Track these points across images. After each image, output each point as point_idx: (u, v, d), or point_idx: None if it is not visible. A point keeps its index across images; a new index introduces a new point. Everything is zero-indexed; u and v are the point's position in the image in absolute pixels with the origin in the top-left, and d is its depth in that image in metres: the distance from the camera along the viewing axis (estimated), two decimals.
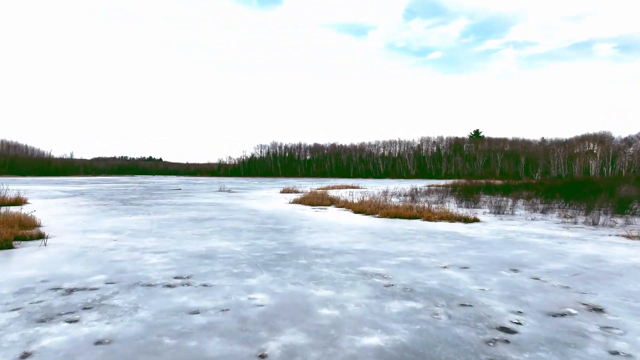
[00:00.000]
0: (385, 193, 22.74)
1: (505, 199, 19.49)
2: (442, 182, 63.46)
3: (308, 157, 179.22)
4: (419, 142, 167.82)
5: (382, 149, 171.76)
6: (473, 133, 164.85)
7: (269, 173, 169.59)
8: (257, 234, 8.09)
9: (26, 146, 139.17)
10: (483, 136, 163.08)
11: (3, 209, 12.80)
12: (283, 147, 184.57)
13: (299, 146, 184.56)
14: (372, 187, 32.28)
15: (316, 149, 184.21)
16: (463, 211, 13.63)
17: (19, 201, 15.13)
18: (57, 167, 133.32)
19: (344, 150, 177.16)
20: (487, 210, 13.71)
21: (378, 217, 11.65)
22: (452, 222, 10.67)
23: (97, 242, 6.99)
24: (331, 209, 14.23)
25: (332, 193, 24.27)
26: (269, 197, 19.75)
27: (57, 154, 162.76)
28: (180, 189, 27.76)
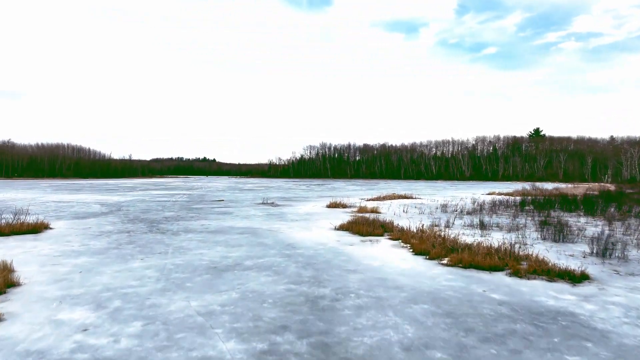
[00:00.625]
0: (444, 209, 19.89)
1: (594, 220, 16.08)
2: (502, 186, 58.04)
3: (357, 158, 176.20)
4: (473, 142, 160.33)
5: (434, 149, 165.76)
6: (533, 132, 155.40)
7: (318, 174, 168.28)
8: (284, 313, 5.80)
9: (89, 149, 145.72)
10: (544, 135, 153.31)
11: (12, 239, 11.48)
12: (332, 148, 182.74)
13: (349, 147, 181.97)
14: (427, 198, 29.28)
15: (366, 149, 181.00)
16: (553, 249, 10.68)
17: (38, 227, 13.79)
18: (117, 169, 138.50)
19: (394, 151, 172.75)
20: (586, 249, 10.67)
21: (446, 264, 9.03)
22: (551, 279, 7.87)
23: (54, 337, 4.95)
24: (384, 243, 11.73)
25: (384, 207, 21.70)
26: (313, 215, 17.55)
27: (116, 155, 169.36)
28: (222, 200, 26.21)
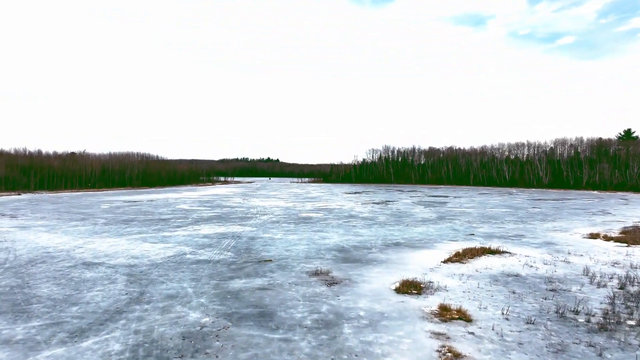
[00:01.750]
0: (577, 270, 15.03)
1: None
2: (602, 197, 47.80)
3: (422, 162, 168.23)
4: (551, 145, 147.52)
5: (507, 152, 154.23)
6: (623, 133, 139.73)
7: (380, 179, 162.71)
8: None
9: (157, 157, 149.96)
10: (637, 137, 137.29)
11: None
12: (395, 151, 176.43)
13: (413, 150, 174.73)
14: (525, 249, 24.03)
15: (431, 152, 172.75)
16: None
17: None
18: (183, 175, 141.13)
19: (462, 154, 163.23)
20: None
21: None
22: None
23: None
24: None
25: (479, 264, 17.09)
26: (390, 313, 13.48)
27: (186, 155, 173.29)
28: (270, 260, 22.94)
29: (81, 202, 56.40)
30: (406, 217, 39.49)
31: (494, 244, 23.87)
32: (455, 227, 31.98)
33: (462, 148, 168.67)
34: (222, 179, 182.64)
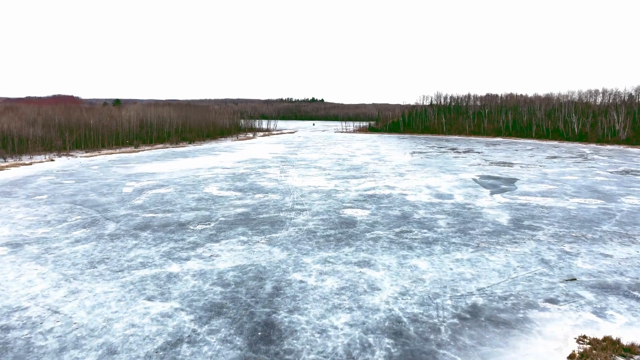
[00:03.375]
0: None
1: None
2: None
3: (478, 110, 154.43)
4: (632, 91, 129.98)
5: (576, 99, 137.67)
6: None
7: (431, 129, 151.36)
8: None
9: (203, 99, 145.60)
10: None
11: None
12: (449, 98, 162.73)
13: (468, 97, 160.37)
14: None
15: (488, 99, 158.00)
16: None
17: None
18: (224, 127, 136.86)
19: (523, 102, 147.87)
20: None
21: None
22: None
23: None
24: None
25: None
26: None
27: (225, 97, 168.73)
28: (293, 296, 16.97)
29: (108, 177, 52.53)
30: (472, 221, 32.09)
31: (616, 317, 16.66)
32: (544, 256, 24.49)
33: (524, 94, 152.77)
34: (264, 125, 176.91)
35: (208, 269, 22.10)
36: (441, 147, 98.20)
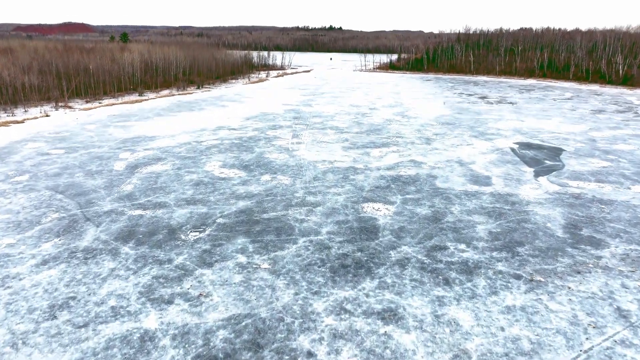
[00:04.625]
0: None
1: None
2: None
3: (510, 47, 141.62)
4: None
5: (623, 34, 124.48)
6: None
7: (457, 68, 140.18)
8: None
9: (216, 26, 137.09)
10: None
11: None
12: (478, 33, 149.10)
13: (500, 32, 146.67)
14: None
15: (522, 34, 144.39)
16: None
17: None
18: (235, 66, 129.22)
19: (561, 37, 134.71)
20: None
21: None
22: None
23: None
24: None
25: None
26: None
27: (239, 24, 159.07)
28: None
29: (102, 144, 47.90)
30: (518, 229, 26.62)
31: None
32: (620, 303, 19.24)
33: (562, 29, 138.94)
34: (279, 61, 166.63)
35: (193, 323, 17.57)
36: (470, 95, 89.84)
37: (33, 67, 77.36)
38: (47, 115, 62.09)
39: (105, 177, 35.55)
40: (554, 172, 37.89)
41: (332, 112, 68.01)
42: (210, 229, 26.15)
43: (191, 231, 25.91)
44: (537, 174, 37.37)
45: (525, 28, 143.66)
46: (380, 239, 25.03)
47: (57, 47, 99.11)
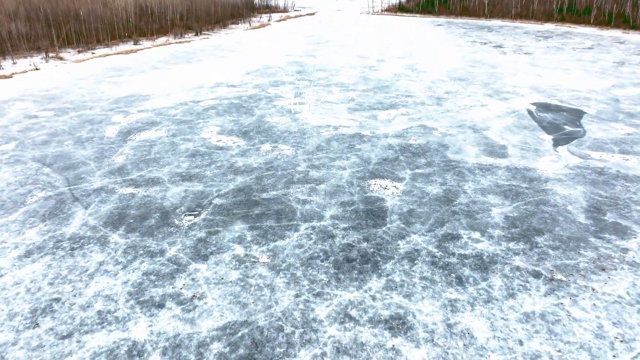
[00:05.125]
0: None
1: None
2: None
3: None
4: None
5: None
6: None
7: (470, 11, 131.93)
8: None
9: None
10: None
11: None
12: None
13: None
14: None
15: None
16: None
17: None
18: (235, 9, 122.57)
19: None
20: None
21: None
22: None
23: None
24: None
25: None
26: None
27: None
28: None
29: (94, 104, 45.34)
30: (537, 213, 24.73)
31: None
32: None
33: None
34: (281, 2, 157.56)
35: (185, 333, 16.27)
36: (484, 43, 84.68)
37: (20, 12, 72.82)
38: (36, 69, 58.89)
39: (95, 146, 33.51)
40: (574, 141, 35.40)
41: (337, 64, 64.21)
42: (205, 212, 24.45)
43: (185, 215, 24.23)
44: (556, 143, 34.92)
45: None
46: (388, 225, 23.29)
47: None
